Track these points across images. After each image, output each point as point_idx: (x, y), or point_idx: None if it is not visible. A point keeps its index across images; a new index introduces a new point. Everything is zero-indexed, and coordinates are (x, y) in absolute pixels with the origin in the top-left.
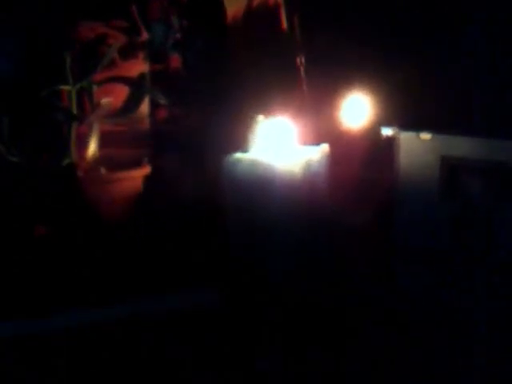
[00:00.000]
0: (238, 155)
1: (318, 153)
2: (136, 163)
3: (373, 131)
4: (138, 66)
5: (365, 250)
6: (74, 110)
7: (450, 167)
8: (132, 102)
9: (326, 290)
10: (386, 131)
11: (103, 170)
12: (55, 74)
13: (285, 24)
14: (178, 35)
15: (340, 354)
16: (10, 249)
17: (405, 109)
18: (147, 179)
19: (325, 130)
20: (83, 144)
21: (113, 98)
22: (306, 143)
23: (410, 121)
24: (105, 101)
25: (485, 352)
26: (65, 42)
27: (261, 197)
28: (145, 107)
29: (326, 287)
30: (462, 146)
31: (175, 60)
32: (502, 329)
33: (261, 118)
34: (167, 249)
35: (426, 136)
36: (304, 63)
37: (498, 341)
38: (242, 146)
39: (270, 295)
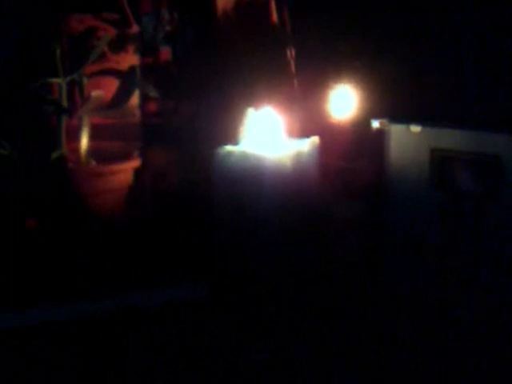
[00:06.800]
0: (229, 148)
1: (308, 145)
2: (126, 156)
3: (363, 123)
4: (128, 59)
5: (354, 240)
6: (65, 103)
7: (440, 159)
8: (122, 95)
9: (315, 280)
10: (376, 123)
11: (93, 163)
12: (45, 66)
13: (275, 16)
14: (169, 28)
15: (326, 345)
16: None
17: (395, 101)
18: (137, 172)
19: (315, 122)
20: (73, 137)
21: (103, 90)
22: (296, 135)
23: (400, 113)
24: (96, 93)
25: (471, 343)
26: (54, 35)
27: (251, 189)
28: (135, 100)
29: (316, 278)
30: (451, 139)
31: (165, 53)
32: (490, 320)
33: (251, 110)
34: (157, 242)
35: (416, 128)
36: (294, 56)
37: (485, 332)
38: (232, 138)
39: (260, 287)
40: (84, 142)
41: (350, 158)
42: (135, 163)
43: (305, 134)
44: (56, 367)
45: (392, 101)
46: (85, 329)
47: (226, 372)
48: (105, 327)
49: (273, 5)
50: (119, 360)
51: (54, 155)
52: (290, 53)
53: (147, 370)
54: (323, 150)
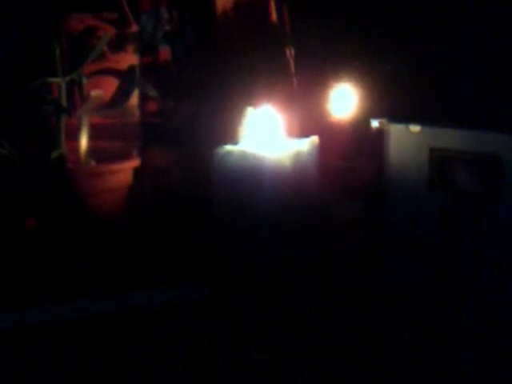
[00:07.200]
0: (228, 147)
1: (308, 144)
2: (126, 156)
3: (362, 123)
4: (128, 59)
5: (354, 240)
6: (64, 103)
7: (439, 159)
8: (121, 95)
9: (315, 280)
10: (376, 123)
11: (93, 163)
12: (44, 66)
13: (274, 16)
14: (168, 27)
15: (326, 345)
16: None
17: (394, 101)
18: (137, 171)
19: (314, 122)
20: (73, 136)
21: (102, 90)
22: (295, 135)
23: (399, 113)
24: (95, 93)
25: (471, 343)
26: (54, 35)
27: (250, 188)
28: (134, 99)
29: (316, 278)
30: (451, 139)
31: (165, 52)
32: (490, 320)
33: (251, 109)
34: (157, 242)
35: (415, 128)
36: (293, 55)
37: (485, 332)
38: (231, 137)
39: (260, 287)
40: (83, 141)
41: (350, 158)
42: (135, 163)
43: (304, 133)
44: (56, 367)
45: (392, 100)
46: (85, 329)
47: (226, 372)
48: (105, 327)
49: (272, 4)
50: (119, 360)
51: (54, 155)
52: (290, 52)
53: (147, 370)
54: (323, 149)
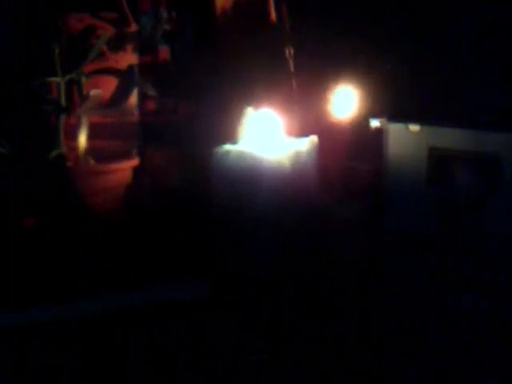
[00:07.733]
0: (227, 147)
1: (307, 144)
2: (125, 155)
3: (361, 123)
4: (127, 58)
5: (354, 240)
6: (63, 102)
7: (438, 158)
8: (121, 94)
9: (315, 280)
10: (375, 123)
11: (92, 162)
12: (44, 65)
13: (273, 16)
14: (167, 27)
15: (326, 345)
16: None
17: (393, 101)
18: (135, 170)
19: (314, 122)
20: (72, 135)
21: (101, 89)
22: (294, 135)
23: (398, 113)
24: (95, 92)
25: (471, 343)
26: (54, 34)
27: (249, 188)
28: (133, 99)
29: (315, 278)
30: (450, 138)
31: (164, 52)
32: (490, 320)
33: (250, 109)
34: (156, 241)
35: (414, 128)
36: (293, 55)
37: (483, 326)
38: (230, 137)
39: (260, 287)
40: (82, 140)
41: (349, 157)
42: (134, 162)
43: (304, 133)
44: (56, 367)
45: (391, 100)
46: (85, 328)
47: (226, 372)
48: (105, 327)
49: (271, 4)
50: (119, 360)
51: (53, 154)
52: (289, 52)
53: (147, 370)
54: (322, 149)
